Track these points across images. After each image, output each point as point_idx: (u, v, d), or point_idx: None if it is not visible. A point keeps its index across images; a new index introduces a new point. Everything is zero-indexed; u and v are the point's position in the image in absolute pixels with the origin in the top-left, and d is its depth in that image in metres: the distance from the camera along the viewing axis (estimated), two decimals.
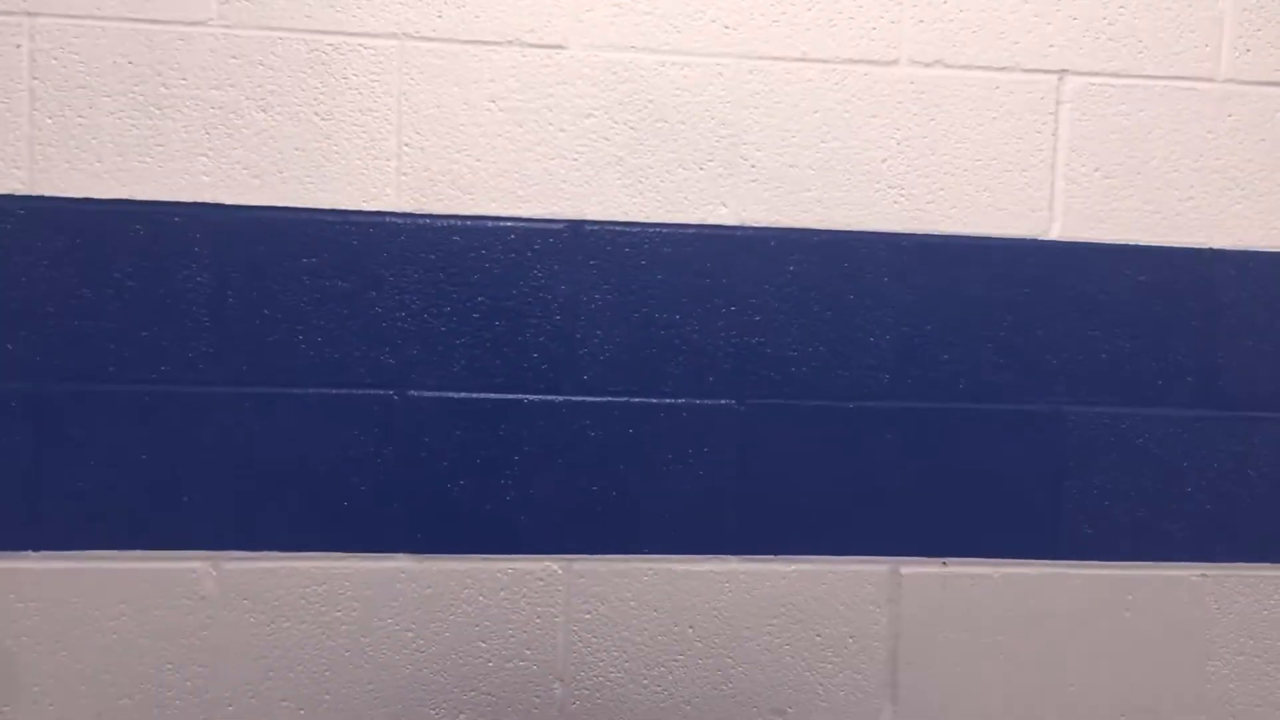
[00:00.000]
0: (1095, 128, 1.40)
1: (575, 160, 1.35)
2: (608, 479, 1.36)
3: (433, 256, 1.33)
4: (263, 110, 1.30)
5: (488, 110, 1.33)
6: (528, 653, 1.37)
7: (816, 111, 1.37)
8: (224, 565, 1.32)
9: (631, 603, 1.38)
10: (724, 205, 1.36)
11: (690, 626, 1.39)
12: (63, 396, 1.29)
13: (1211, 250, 1.42)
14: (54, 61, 1.28)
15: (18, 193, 1.28)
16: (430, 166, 1.33)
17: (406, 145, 1.32)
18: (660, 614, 1.38)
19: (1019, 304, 1.40)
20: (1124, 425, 1.42)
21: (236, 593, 1.33)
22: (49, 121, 1.28)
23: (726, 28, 1.35)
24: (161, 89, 1.29)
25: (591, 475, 1.36)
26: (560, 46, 1.34)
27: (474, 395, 1.34)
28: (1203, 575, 1.44)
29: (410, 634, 1.35)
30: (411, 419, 1.33)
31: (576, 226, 1.35)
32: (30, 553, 1.30)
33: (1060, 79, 1.39)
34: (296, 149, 1.31)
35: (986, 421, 1.40)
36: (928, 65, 1.38)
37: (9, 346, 1.28)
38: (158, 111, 1.29)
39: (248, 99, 1.30)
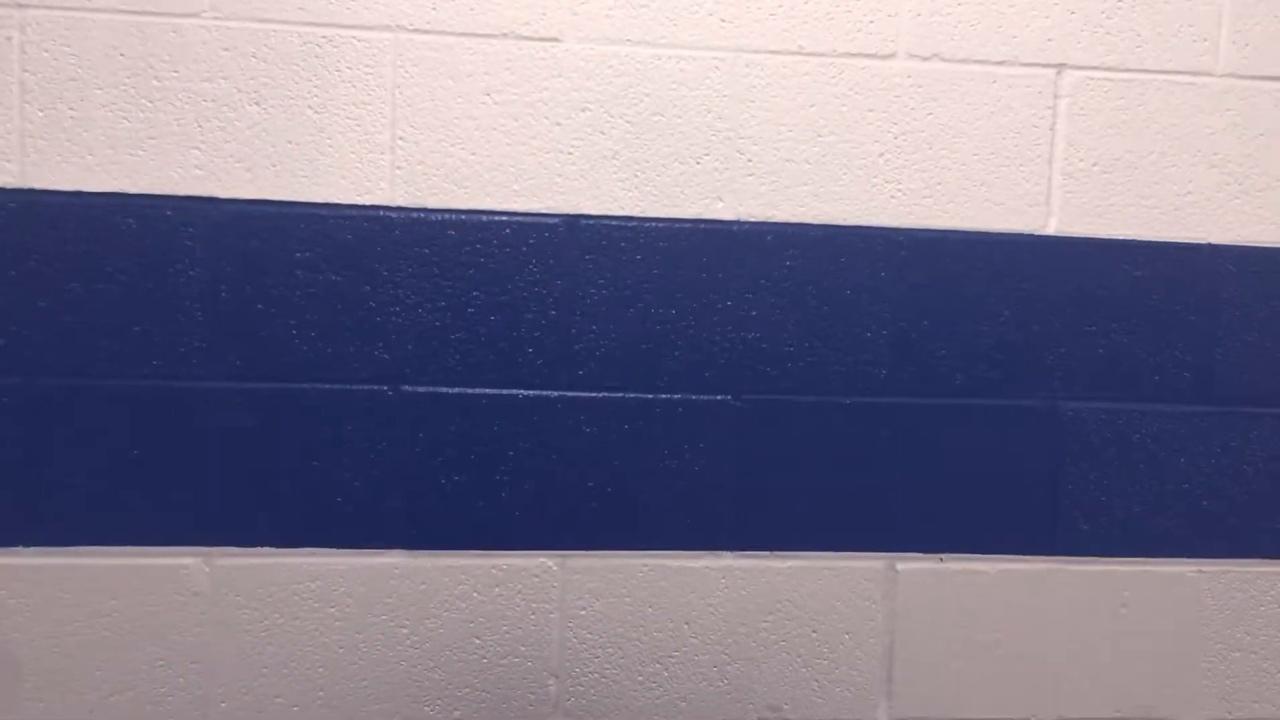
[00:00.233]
0: (1093, 122, 1.39)
1: (571, 154, 1.34)
2: (603, 475, 1.36)
3: (427, 251, 1.32)
4: (256, 103, 1.29)
5: (483, 103, 1.32)
6: (522, 649, 1.36)
7: (813, 105, 1.36)
8: (217, 561, 1.32)
9: (627, 599, 1.37)
10: (720, 200, 1.36)
11: (686, 623, 1.38)
12: (54, 391, 1.28)
13: (1209, 245, 1.41)
14: (45, 54, 1.27)
15: (8, 186, 1.27)
16: (425, 160, 1.32)
17: (401, 139, 1.31)
18: (655, 610, 1.38)
19: (1016, 299, 1.39)
20: (1121, 421, 1.41)
21: (229, 589, 1.32)
22: (40, 114, 1.27)
23: (723, 21, 1.34)
24: (153, 81, 1.28)
25: (587, 471, 1.35)
26: (555, 39, 1.33)
27: (469, 390, 1.34)
28: (1199, 571, 1.44)
29: (404, 630, 1.35)
30: (406, 414, 1.33)
31: (572, 221, 1.34)
32: (22, 549, 1.29)
33: (1058, 73, 1.39)
34: (290, 142, 1.30)
35: (983, 417, 1.40)
36: (925, 59, 1.37)
37: (0, 341, 1.27)
38: (149, 104, 1.28)
39: (240, 92, 1.29)
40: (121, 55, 1.27)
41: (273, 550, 1.32)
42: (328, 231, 1.31)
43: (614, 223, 1.35)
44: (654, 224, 1.35)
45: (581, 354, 1.35)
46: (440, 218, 1.32)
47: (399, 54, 1.31)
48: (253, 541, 1.32)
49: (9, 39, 1.26)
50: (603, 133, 1.34)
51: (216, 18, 1.28)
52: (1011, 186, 1.39)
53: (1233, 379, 1.42)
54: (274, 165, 1.30)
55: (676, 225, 1.35)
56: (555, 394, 1.35)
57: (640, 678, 1.38)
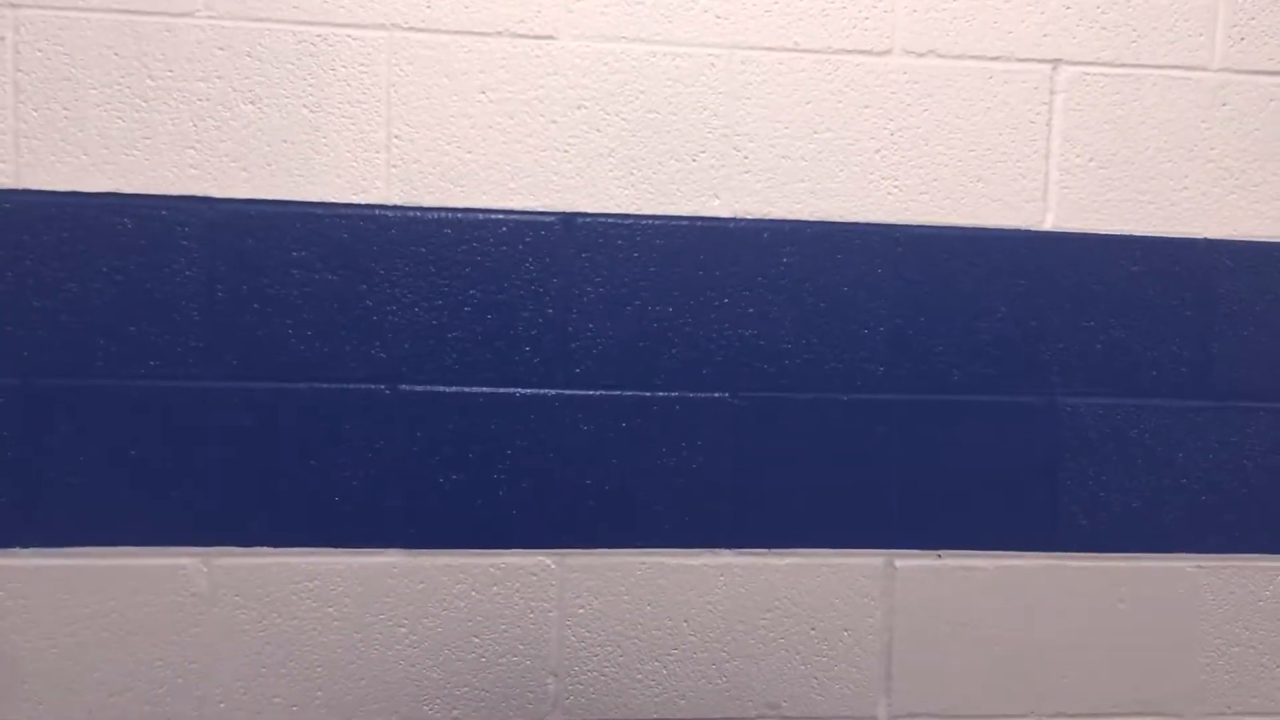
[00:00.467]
0: (1089, 117, 1.39)
1: (567, 152, 1.34)
2: (601, 473, 1.35)
3: (423, 250, 1.32)
4: (251, 102, 1.29)
5: (478, 102, 1.32)
6: (521, 648, 1.36)
7: (809, 102, 1.36)
8: (215, 561, 1.32)
9: (625, 597, 1.37)
10: (717, 197, 1.36)
11: (684, 620, 1.38)
12: (51, 392, 1.28)
13: (1206, 240, 1.41)
14: (39, 54, 1.26)
15: (3, 186, 1.26)
16: (420, 159, 1.32)
17: (396, 137, 1.31)
18: (654, 608, 1.38)
19: (1013, 295, 1.39)
20: (1119, 416, 1.41)
21: (228, 589, 1.32)
22: (34, 114, 1.27)
23: (718, 18, 1.34)
24: (148, 81, 1.28)
25: (585, 469, 1.35)
26: (551, 37, 1.33)
27: (466, 389, 1.33)
28: (1198, 566, 1.44)
29: (403, 629, 1.35)
30: (403, 413, 1.33)
31: (568, 219, 1.34)
32: (19, 550, 1.29)
33: (1054, 68, 1.39)
34: (285, 141, 1.30)
35: (981, 413, 1.40)
36: (921, 55, 1.37)
37: None
38: (144, 104, 1.28)
39: (235, 91, 1.29)
40: (116, 55, 1.27)
41: (271, 550, 1.32)
42: (324, 231, 1.31)
43: (610, 220, 1.34)
44: (650, 222, 1.35)
45: (578, 352, 1.35)
46: (436, 216, 1.32)
47: (394, 52, 1.31)
48: (251, 541, 1.32)
49: (2, 39, 1.26)
50: (599, 130, 1.34)
51: (211, 17, 1.28)
52: (1008, 182, 1.39)
53: (1230, 373, 1.42)
54: (269, 164, 1.30)
55: (673, 223, 1.35)
56: (553, 392, 1.35)
57: (639, 676, 1.38)
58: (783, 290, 1.37)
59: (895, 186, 1.37)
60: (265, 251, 1.30)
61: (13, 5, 1.26)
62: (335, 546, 1.33)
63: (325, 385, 1.32)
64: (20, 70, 1.26)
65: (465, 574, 1.35)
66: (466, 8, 1.31)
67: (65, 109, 1.27)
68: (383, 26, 1.30)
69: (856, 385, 1.38)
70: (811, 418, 1.38)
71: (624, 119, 1.34)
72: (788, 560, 1.39)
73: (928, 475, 1.39)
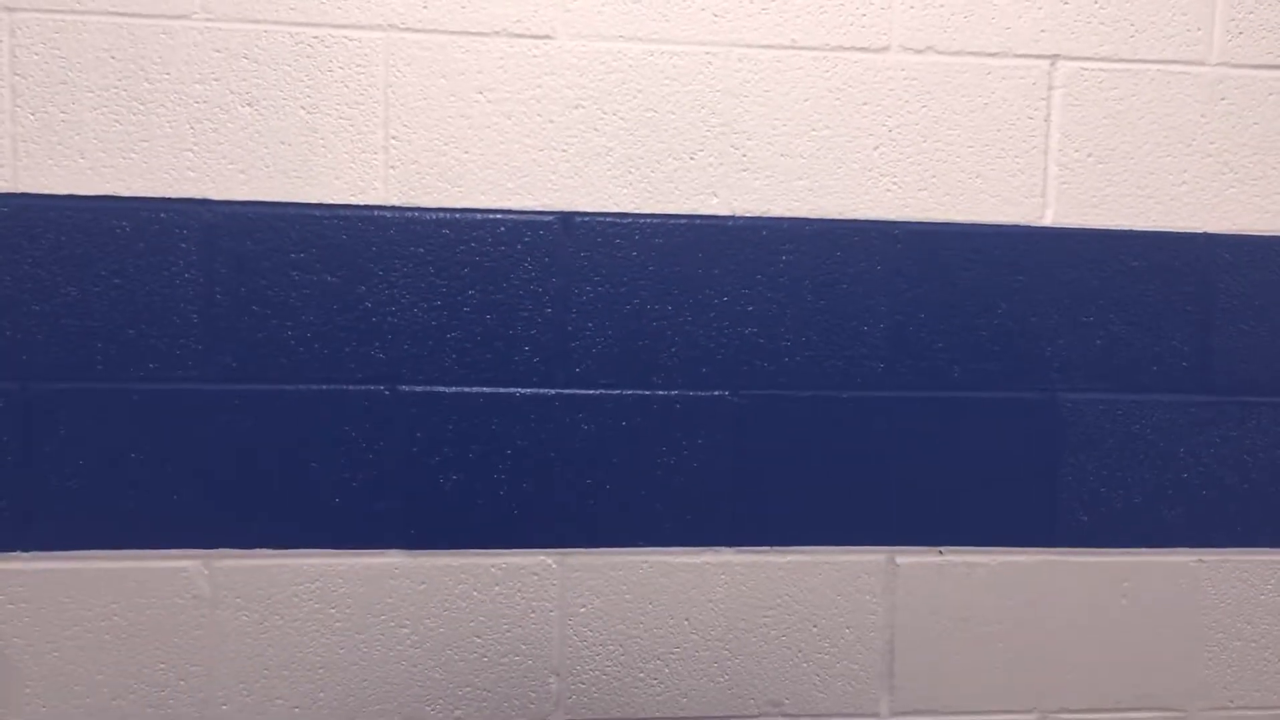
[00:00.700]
0: (1088, 113, 1.39)
1: (565, 151, 1.34)
2: (601, 472, 1.35)
3: (422, 250, 1.32)
4: (248, 104, 1.29)
5: (476, 102, 1.32)
6: (523, 647, 1.36)
7: (807, 100, 1.36)
8: (216, 564, 1.32)
9: (627, 596, 1.37)
10: (715, 195, 1.36)
11: (686, 619, 1.38)
12: (50, 395, 1.28)
13: (1205, 235, 1.41)
14: (35, 57, 1.26)
15: (1, 190, 1.26)
16: (418, 159, 1.32)
17: (394, 138, 1.31)
18: (656, 607, 1.38)
19: (1013, 291, 1.39)
20: (1119, 412, 1.41)
21: (229, 591, 1.32)
22: (31, 118, 1.26)
23: (715, 16, 1.34)
24: (145, 84, 1.28)
25: (585, 468, 1.35)
26: (548, 37, 1.32)
27: (466, 389, 1.33)
28: (1199, 561, 1.44)
29: (405, 630, 1.35)
30: (403, 414, 1.33)
31: (567, 218, 1.34)
32: (20, 553, 1.29)
33: (1052, 64, 1.38)
34: (282, 143, 1.30)
35: (981, 410, 1.40)
36: (919, 52, 1.37)
37: None
38: (141, 107, 1.28)
39: (232, 93, 1.29)
40: (112, 58, 1.27)
41: (272, 552, 1.32)
42: (322, 232, 1.31)
43: (609, 220, 1.34)
44: (649, 220, 1.35)
45: (578, 351, 1.34)
46: (435, 217, 1.32)
47: (391, 53, 1.30)
48: (252, 543, 1.32)
49: None
50: (596, 130, 1.34)
51: (207, 19, 1.28)
52: (1007, 178, 1.39)
53: (1230, 368, 1.42)
54: (267, 166, 1.30)
55: (671, 221, 1.35)
56: (552, 392, 1.34)
57: (641, 675, 1.38)
58: (782, 288, 1.37)
59: (894, 183, 1.37)
60: (264, 253, 1.30)
61: (9, 9, 1.26)
62: (336, 548, 1.33)
63: (325, 387, 1.32)
64: (17, 74, 1.26)
65: (467, 574, 1.35)
66: (463, 8, 1.31)
67: (62, 112, 1.27)
68: (380, 27, 1.30)
69: (856, 383, 1.38)
70: (812, 415, 1.38)
71: (622, 118, 1.34)
72: (789, 558, 1.39)
73: (928, 472, 1.39)
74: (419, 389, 1.33)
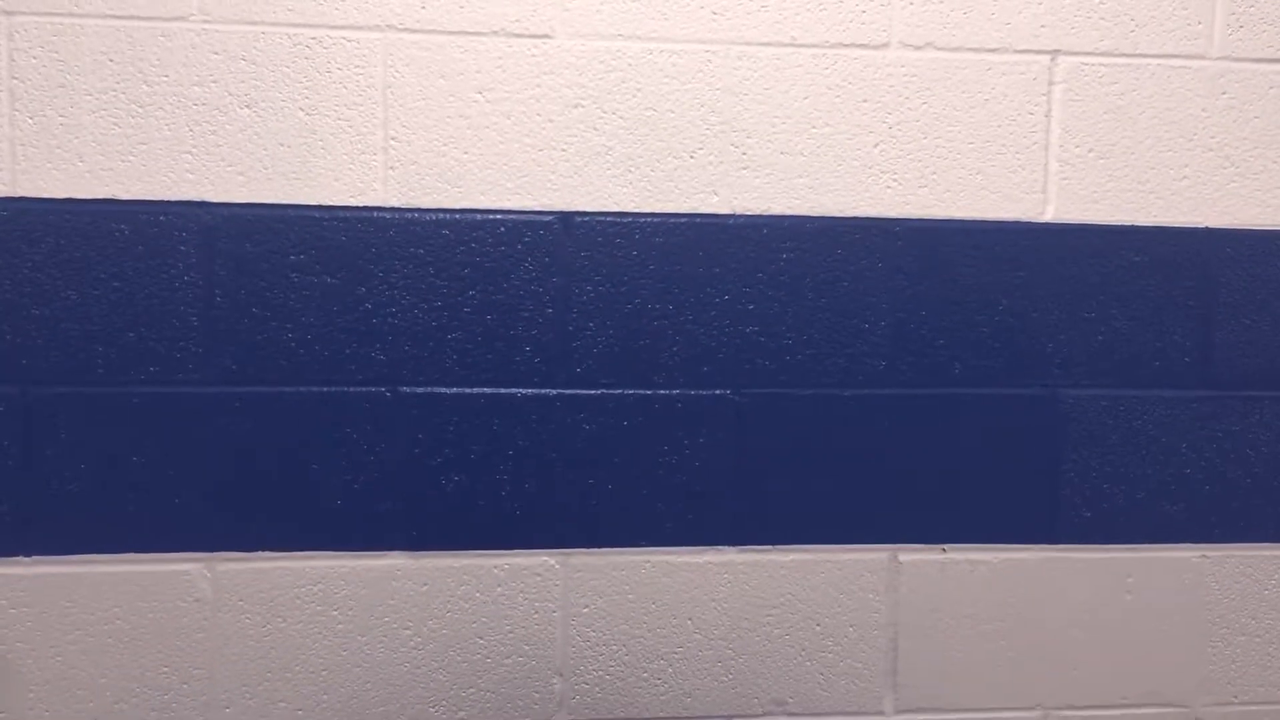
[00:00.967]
0: (1088, 108, 1.39)
1: (564, 151, 1.33)
2: (603, 472, 1.35)
3: (422, 251, 1.32)
4: (246, 106, 1.29)
5: (475, 102, 1.32)
6: (526, 648, 1.36)
7: (807, 97, 1.35)
8: (218, 566, 1.31)
9: (630, 596, 1.37)
10: (715, 194, 1.35)
11: (689, 618, 1.38)
12: (51, 399, 1.28)
13: (1207, 229, 1.41)
14: (33, 60, 1.26)
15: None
16: (417, 160, 1.31)
17: (393, 139, 1.31)
18: (659, 606, 1.37)
19: (1014, 287, 1.39)
20: (1121, 407, 1.41)
21: (231, 594, 1.32)
22: (29, 121, 1.26)
23: (714, 14, 1.34)
24: (143, 86, 1.27)
25: (586, 468, 1.35)
26: (547, 36, 1.32)
27: (467, 390, 1.33)
28: (1202, 556, 1.44)
29: (408, 632, 1.35)
30: (404, 415, 1.32)
31: (567, 218, 1.33)
32: (21, 558, 1.29)
33: (1053, 59, 1.38)
34: (281, 145, 1.29)
35: (983, 406, 1.39)
36: (918, 48, 1.36)
37: None
38: (140, 109, 1.28)
39: (231, 95, 1.29)
40: (110, 61, 1.27)
41: (274, 554, 1.32)
42: (322, 234, 1.30)
43: (609, 219, 1.34)
44: (649, 219, 1.34)
45: (579, 351, 1.34)
46: (434, 218, 1.32)
47: (390, 54, 1.30)
48: (254, 546, 1.32)
49: None
50: (596, 129, 1.33)
51: (205, 21, 1.28)
52: (1008, 174, 1.38)
53: (1232, 363, 1.42)
54: (266, 168, 1.29)
55: (672, 220, 1.35)
56: (553, 392, 1.34)
57: (645, 674, 1.38)
58: (783, 286, 1.36)
59: (894, 180, 1.37)
60: (263, 255, 1.30)
61: (6, 12, 1.25)
62: (338, 550, 1.33)
63: (325, 388, 1.31)
64: (15, 77, 1.26)
65: (469, 575, 1.35)
66: (462, 8, 1.31)
67: (61, 115, 1.27)
68: (378, 28, 1.30)
69: (858, 380, 1.38)
70: (813, 413, 1.37)
71: (621, 117, 1.34)
72: (792, 557, 1.39)
73: (930, 469, 1.39)
74: (420, 390, 1.32)
